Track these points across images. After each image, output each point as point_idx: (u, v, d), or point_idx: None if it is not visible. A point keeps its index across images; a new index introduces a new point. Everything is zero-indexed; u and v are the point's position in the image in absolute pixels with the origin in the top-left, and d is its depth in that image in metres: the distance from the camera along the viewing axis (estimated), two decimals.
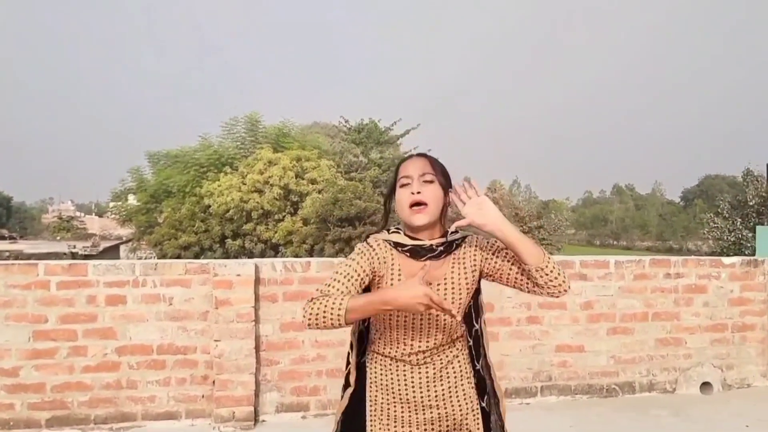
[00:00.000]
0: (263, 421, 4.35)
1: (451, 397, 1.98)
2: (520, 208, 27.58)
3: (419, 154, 2.02)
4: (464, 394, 2.00)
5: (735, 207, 21.82)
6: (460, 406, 1.99)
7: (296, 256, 19.35)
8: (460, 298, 1.95)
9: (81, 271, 4.15)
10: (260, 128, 22.15)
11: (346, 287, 1.80)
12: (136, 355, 4.20)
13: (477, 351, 2.06)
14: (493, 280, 2.02)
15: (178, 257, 17.94)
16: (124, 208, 21.88)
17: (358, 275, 1.84)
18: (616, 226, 71.63)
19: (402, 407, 1.97)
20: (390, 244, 1.93)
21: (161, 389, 4.24)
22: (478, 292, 2.07)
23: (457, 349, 2.03)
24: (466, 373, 2.03)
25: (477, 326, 2.08)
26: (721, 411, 4.63)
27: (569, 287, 1.98)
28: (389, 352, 1.98)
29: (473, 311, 2.07)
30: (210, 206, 19.44)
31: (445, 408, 1.98)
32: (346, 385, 2.04)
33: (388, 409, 1.98)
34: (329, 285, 1.81)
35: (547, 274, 1.89)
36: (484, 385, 2.07)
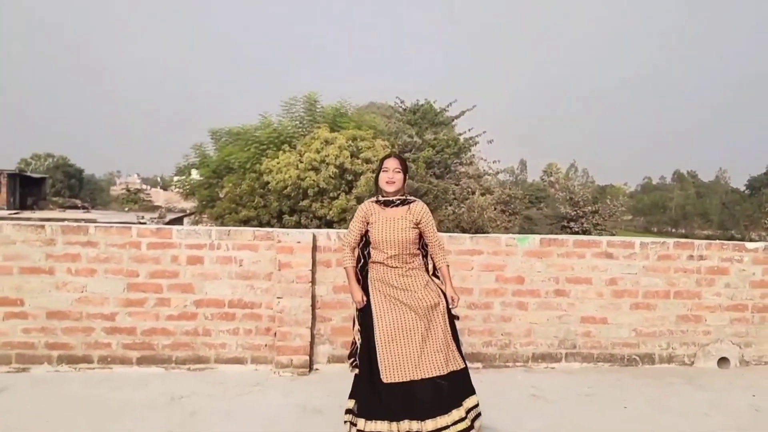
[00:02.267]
0: (317, 369, 5.05)
1: (414, 284, 3.54)
2: (575, 193, 27.56)
3: (395, 156, 3.71)
4: (421, 283, 3.55)
5: None
6: (420, 288, 3.53)
7: None
8: (407, 229, 3.56)
9: (167, 234, 4.91)
10: (318, 108, 22.77)
11: (355, 238, 3.67)
12: (211, 307, 4.95)
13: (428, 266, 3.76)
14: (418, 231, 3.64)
15: None
16: (187, 183, 23.00)
17: (360, 228, 3.66)
18: (675, 214, 69.52)
19: (389, 288, 3.53)
20: (373, 201, 3.69)
21: (231, 338, 4.98)
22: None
23: (415, 262, 3.63)
24: (421, 272, 3.62)
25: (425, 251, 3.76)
26: (733, 382, 5.06)
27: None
28: (378, 260, 3.59)
29: (422, 243, 3.72)
30: (269, 183, 20.24)
31: (411, 288, 3.52)
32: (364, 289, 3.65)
33: (382, 288, 3.55)
34: (347, 236, 3.74)
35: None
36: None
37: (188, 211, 27.62)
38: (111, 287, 4.86)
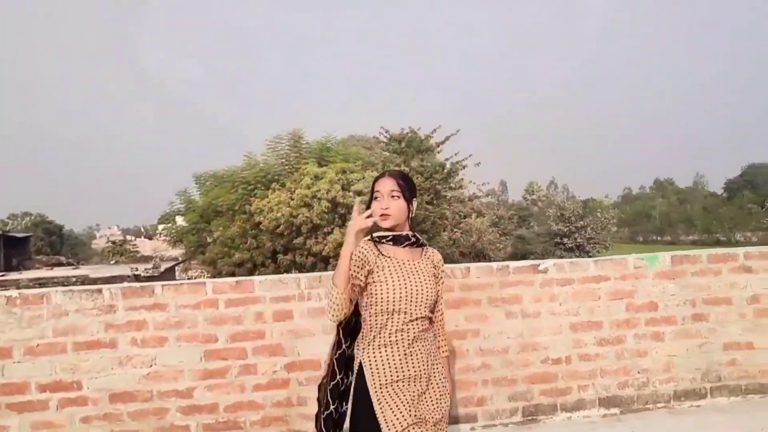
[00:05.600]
0: None
1: (437, 375, 2.60)
2: (565, 209, 27.27)
3: (390, 174, 2.56)
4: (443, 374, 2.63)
5: None
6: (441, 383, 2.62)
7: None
8: (427, 284, 2.49)
9: (248, 287, 4.09)
10: (303, 144, 22.25)
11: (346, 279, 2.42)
12: (305, 370, 4.12)
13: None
14: None
15: (233, 275, 18.00)
16: (173, 230, 22.09)
17: (355, 275, 2.43)
18: (660, 222, 69.70)
19: (404, 383, 2.50)
20: (374, 240, 2.52)
21: None
22: None
23: (430, 337, 2.63)
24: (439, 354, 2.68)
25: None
26: None
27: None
28: (389, 331, 2.49)
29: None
30: (261, 223, 19.55)
31: (434, 382, 2.58)
32: None
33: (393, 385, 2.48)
34: (334, 277, 2.42)
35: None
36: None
37: (180, 259, 26.44)
38: (185, 357, 4.00)
